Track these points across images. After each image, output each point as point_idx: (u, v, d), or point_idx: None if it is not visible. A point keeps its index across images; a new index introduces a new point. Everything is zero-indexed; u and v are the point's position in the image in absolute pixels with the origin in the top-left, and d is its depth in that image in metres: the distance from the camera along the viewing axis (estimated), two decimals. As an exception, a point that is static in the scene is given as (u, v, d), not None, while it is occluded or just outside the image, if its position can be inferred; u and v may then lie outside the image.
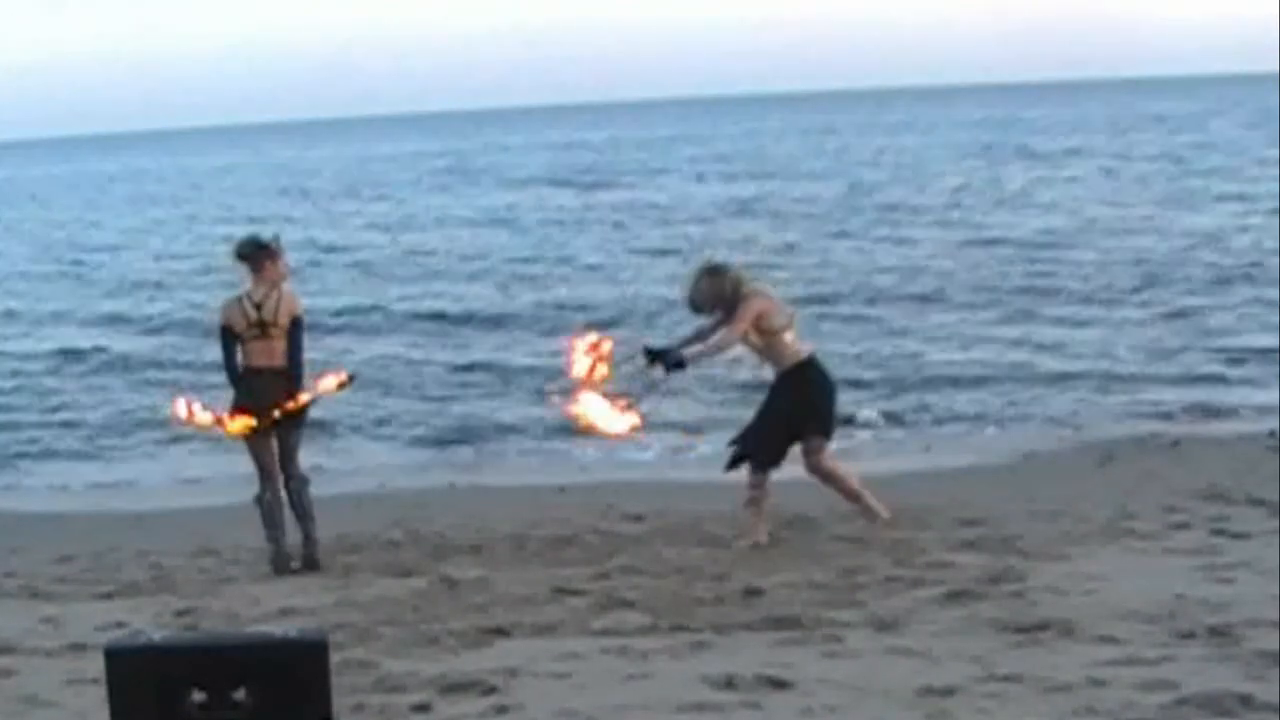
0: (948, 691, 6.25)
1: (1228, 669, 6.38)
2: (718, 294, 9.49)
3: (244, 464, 9.96)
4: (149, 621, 8.24)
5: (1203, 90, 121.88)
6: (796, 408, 9.57)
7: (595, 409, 9.56)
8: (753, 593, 8.27)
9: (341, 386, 9.82)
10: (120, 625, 8.14)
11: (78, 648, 7.63)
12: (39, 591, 9.29)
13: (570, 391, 9.69)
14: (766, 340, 9.54)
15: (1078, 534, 9.48)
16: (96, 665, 3.89)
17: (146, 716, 3.55)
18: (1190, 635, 6.94)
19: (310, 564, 9.55)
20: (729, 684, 6.49)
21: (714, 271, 9.64)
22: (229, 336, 9.59)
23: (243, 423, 9.47)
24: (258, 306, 9.53)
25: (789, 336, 9.61)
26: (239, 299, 9.59)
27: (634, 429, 9.81)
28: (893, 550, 9.21)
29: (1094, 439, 13.96)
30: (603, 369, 9.47)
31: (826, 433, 9.71)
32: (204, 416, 9.70)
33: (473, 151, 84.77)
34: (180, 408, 9.83)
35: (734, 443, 9.91)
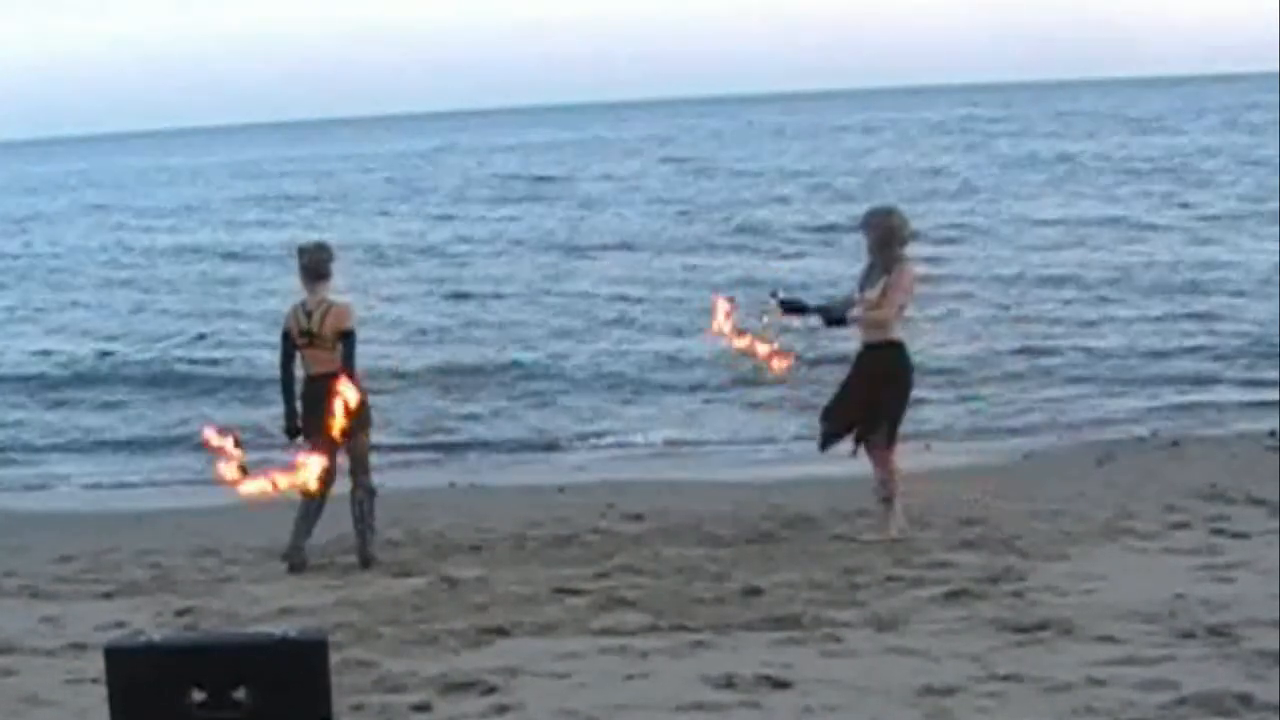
0: (948, 691, 6.26)
1: (1228, 669, 6.39)
2: (888, 235, 9.53)
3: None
4: (149, 621, 8.24)
5: (1194, 90, 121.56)
6: (876, 389, 9.55)
7: (753, 350, 10.00)
8: (753, 593, 8.27)
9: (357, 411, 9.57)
10: (120, 625, 8.15)
11: (78, 648, 7.63)
12: (39, 591, 9.29)
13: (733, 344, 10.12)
14: (888, 311, 9.51)
15: (1078, 534, 9.47)
16: (96, 665, 3.89)
17: (146, 716, 3.55)
18: (1190, 635, 6.95)
19: (366, 562, 9.53)
20: (729, 684, 6.50)
21: (895, 214, 9.80)
22: (287, 343, 9.58)
23: (294, 478, 9.38)
24: (308, 315, 9.53)
25: (904, 314, 9.65)
26: (299, 305, 9.60)
27: (786, 364, 10.11)
28: (893, 550, 9.20)
29: (1094, 439, 13.96)
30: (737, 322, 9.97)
31: (892, 426, 9.60)
32: (255, 486, 9.50)
33: (421, 155, 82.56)
34: (228, 470, 9.56)
35: (822, 419, 9.86)
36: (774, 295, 10.03)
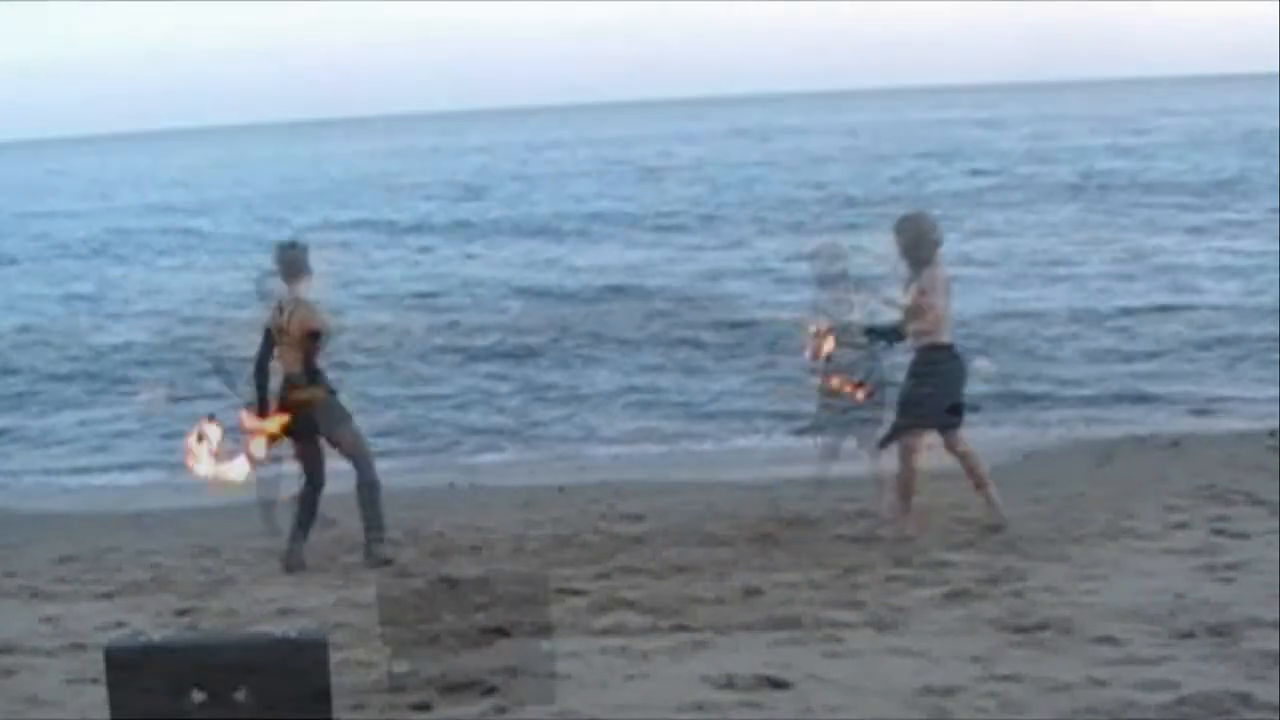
0: (948, 691, 6.25)
1: (1228, 669, 6.39)
2: (918, 239, 9.54)
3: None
4: (149, 621, 8.24)
5: (1188, 92, 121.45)
6: (929, 391, 9.56)
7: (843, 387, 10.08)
8: (753, 593, 8.27)
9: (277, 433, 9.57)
10: (120, 625, 8.15)
11: (78, 648, 7.63)
12: (39, 591, 9.30)
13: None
14: (935, 313, 9.51)
15: (1078, 534, 9.47)
16: (96, 665, 3.89)
17: (146, 716, 3.55)
18: (1190, 635, 6.95)
19: (376, 561, 9.54)
20: (729, 684, 6.50)
21: (923, 219, 9.80)
22: (268, 338, 9.62)
23: (266, 426, 9.44)
24: (280, 311, 9.57)
25: (947, 315, 9.63)
26: (277, 303, 9.66)
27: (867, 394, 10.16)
28: (893, 550, 9.21)
29: (1094, 439, 13.96)
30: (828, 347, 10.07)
31: (944, 424, 9.65)
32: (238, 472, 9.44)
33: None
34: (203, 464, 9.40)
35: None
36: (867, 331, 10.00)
